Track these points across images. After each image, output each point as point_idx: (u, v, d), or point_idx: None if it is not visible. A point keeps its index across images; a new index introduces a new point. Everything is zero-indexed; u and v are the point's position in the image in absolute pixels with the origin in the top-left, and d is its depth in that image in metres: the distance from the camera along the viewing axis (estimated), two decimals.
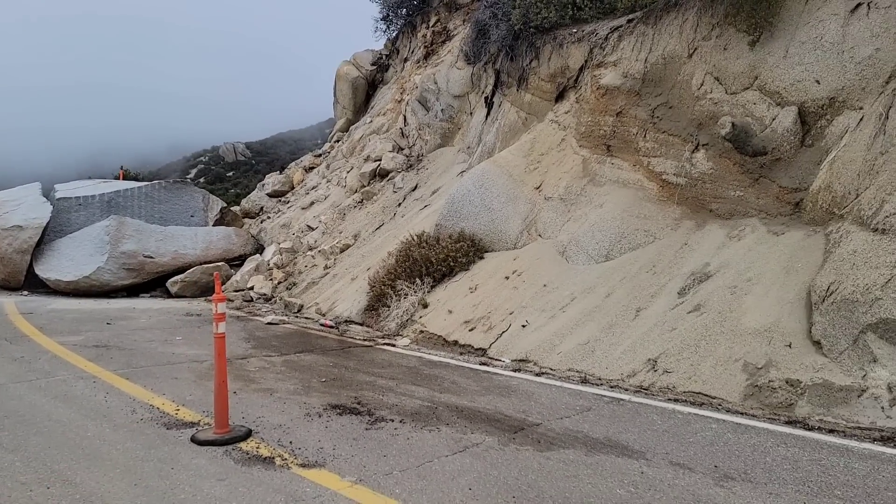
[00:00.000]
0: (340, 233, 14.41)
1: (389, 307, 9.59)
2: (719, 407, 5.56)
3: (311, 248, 14.27)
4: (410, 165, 15.55)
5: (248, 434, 4.61)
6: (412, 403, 5.58)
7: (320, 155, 22.09)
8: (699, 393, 5.83)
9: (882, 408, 5.02)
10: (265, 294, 12.77)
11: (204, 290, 13.95)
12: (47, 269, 13.91)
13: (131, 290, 14.19)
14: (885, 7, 6.69)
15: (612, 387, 6.29)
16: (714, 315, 6.56)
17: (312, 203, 17.59)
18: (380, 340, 8.73)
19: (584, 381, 6.49)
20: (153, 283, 14.49)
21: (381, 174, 15.97)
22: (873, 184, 6.04)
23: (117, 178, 21.29)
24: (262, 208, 20.57)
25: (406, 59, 20.48)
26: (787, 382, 5.48)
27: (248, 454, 4.25)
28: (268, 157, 68.43)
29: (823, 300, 5.78)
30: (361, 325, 9.82)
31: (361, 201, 15.41)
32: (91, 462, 4.08)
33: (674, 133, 8.58)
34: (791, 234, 7.01)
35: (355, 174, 16.64)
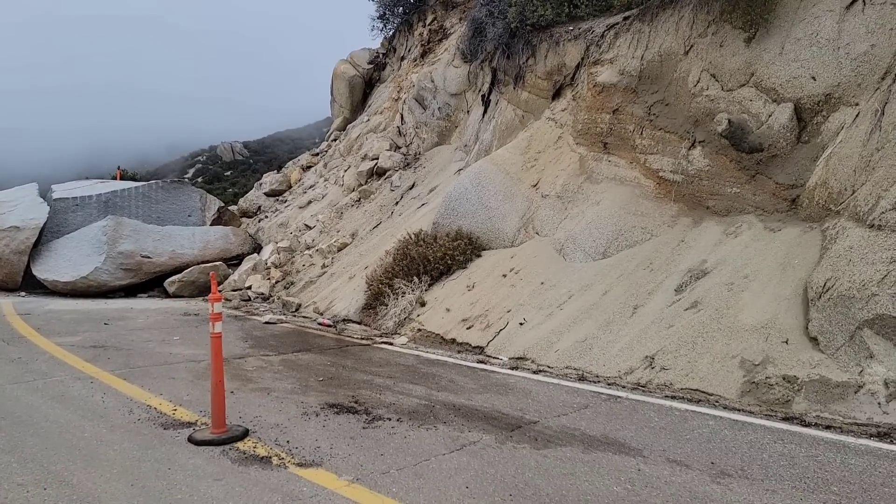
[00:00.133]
0: (338, 231, 14.41)
1: (387, 306, 9.59)
2: (716, 404, 5.56)
3: (308, 247, 14.26)
4: (408, 164, 15.54)
5: (245, 433, 4.61)
6: (409, 402, 5.58)
7: (318, 154, 22.08)
8: (696, 390, 5.84)
9: (879, 403, 5.03)
10: (263, 293, 12.76)
11: (202, 290, 13.95)
12: (45, 270, 13.89)
13: (129, 291, 14.18)
14: (881, 3, 6.70)
15: (609, 384, 6.30)
16: (711, 312, 6.56)
17: (310, 202, 17.58)
18: (377, 339, 8.73)
19: (582, 379, 6.49)
20: (151, 283, 14.48)
21: (378, 173, 15.97)
22: (869, 180, 6.04)
23: (115, 178, 21.26)
24: (259, 207, 20.56)
25: (403, 58, 20.46)
26: (783, 379, 5.49)
27: (245, 454, 4.25)
28: (266, 156, 68.42)
29: (820, 296, 5.78)
30: (359, 323, 9.82)
31: (359, 200, 15.40)
32: (88, 463, 4.08)
33: (670, 130, 8.58)
34: (787, 230, 7.02)
35: (353, 173, 16.63)
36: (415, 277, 9.78)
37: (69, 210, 15.39)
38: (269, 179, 22.19)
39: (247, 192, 24.30)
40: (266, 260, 14.19)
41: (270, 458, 4.18)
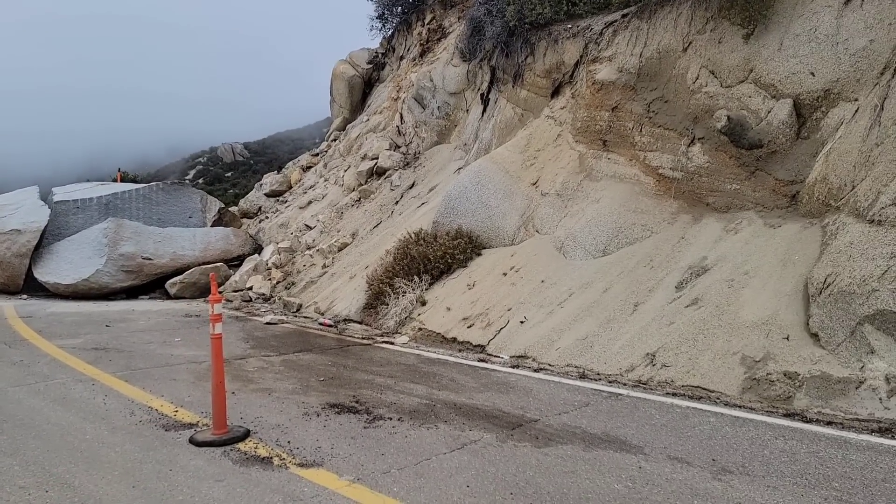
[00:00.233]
0: (338, 231, 14.41)
1: (388, 305, 9.60)
2: (717, 400, 5.56)
3: (309, 248, 14.27)
4: (407, 163, 15.54)
5: (246, 434, 4.62)
6: (410, 401, 5.58)
7: (318, 154, 22.08)
8: (697, 387, 5.84)
9: (880, 399, 5.02)
10: (264, 294, 12.77)
11: (203, 291, 13.95)
12: (46, 273, 13.90)
13: (130, 292, 14.19)
14: None
15: (610, 382, 6.30)
16: (712, 309, 6.56)
17: (310, 202, 17.58)
18: (378, 339, 8.73)
19: (583, 377, 6.49)
20: (152, 285, 14.49)
21: (378, 172, 15.96)
22: (869, 175, 6.03)
23: (115, 180, 21.27)
24: (260, 208, 20.56)
25: (402, 57, 20.45)
26: (784, 375, 5.48)
27: (246, 454, 4.26)
28: (266, 156, 68.52)
29: (820, 292, 5.78)
30: (360, 323, 9.83)
31: (359, 200, 15.40)
32: (89, 465, 4.08)
33: (670, 127, 8.58)
34: (788, 226, 7.01)
35: (353, 173, 16.63)
36: (415, 276, 9.78)
37: (70, 213, 15.40)
38: (270, 180, 22.19)
39: (247, 193, 24.29)
40: (267, 260, 14.19)
41: (271, 458, 4.18)
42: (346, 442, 4.51)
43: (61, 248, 14.58)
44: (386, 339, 8.71)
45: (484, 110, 13.53)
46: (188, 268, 14.41)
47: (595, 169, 9.54)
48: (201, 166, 77.17)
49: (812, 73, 7.08)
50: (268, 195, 21.07)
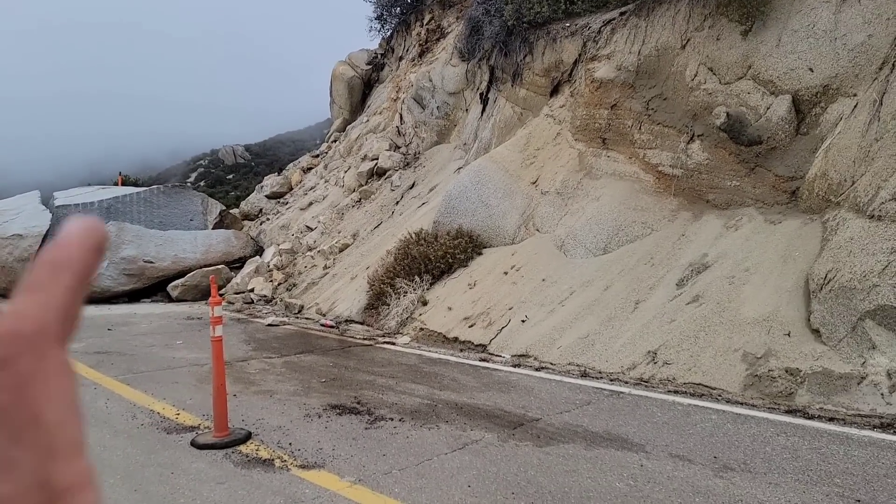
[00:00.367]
0: (339, 232, 14.41)
1: (389, 305, 9.60)
2: (719, 397, 5.56)
3: (310, 249, 14.27)
4: (407, 163, 15.54)
5: (247, 436, 4.62)
6: (412, 402, 5.58)
7: (318, 155, 22.09)
8: (699, 384, 5.83)
9: (882, 394, 5.02)
10: (265, 296, 12.78)
11: (205, 294, 13.95)
12: None
13: (132, 296, 14.20)
14: None
15: (612, 380, 6.29)
16: (713, 306, 6.56)
17: (311, 203, 17.59)
18: (380, 339, 8.73)
19: (584, 375, 6.49)
20: (154, 288, 14.50)
21: (378, 173, 15.97)
22: (868, 170, 6.03)
23: (116, 184, 21.29)
24: (261, 210, 20.57)
25: (401, 58, 20.45)
26: (786, 371, 5.48)
27: (247, 457, 4.26)
28: (267, 158, 68.47)
29: (821, 288, 5.77)
30: (362, 324, 9.83)
31: (360, 200, 15.41)
32: None
33: (669, 124, 8.57)
34: (788, 222, 7.01)
35: (353, 174, 16.64)
36: (416, 277, 9.78)
37: (71, 217, 15.40)
38: (270, 182, 22.20)
39: (248, 195, 24.31)
40: (268, 262, 14.20)
41: (273, 460, 4.19)
42: (347, 443, 4.52)
43: None
44: (387, 339, 8.72)
45: (483, 110, 13.52)
46: (190, 270, 14.43)
47: (595, 167, 9.53)
48: (203, 169, 77.21)
49: (811, 69, 7.07)
50: (269, 197, 21.08)
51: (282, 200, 20.23)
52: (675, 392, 5.78)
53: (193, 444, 4.51)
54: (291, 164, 24.25)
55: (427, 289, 9.71)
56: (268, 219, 19.17)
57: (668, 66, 8.64)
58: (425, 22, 19.09)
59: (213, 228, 16.70)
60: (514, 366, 7.02)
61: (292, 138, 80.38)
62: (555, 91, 11.28)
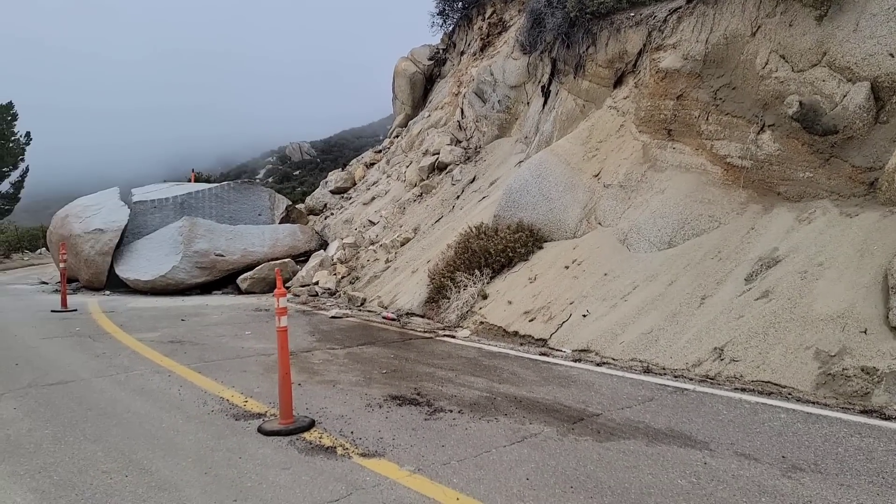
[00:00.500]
0: (401, 227, 14.59)
1: (449, 299, 9.66)
2: (789, 396, 5.36)
3: (372, 243, 14.50)
4: (468, 158, 15.57)
5: (311, 424, 4.76)
6: (471, 394, 5.62)
7: (381, 151, 22.39)
8: (768, 382, 5.64)
9: None
10: (329, 288, 13.06)
11: (272, 286, 14.36)
12: (126, 270, 14.63)
13: (204, 288, 14.77)
14: None
15: (675, 376, 6.16)
16: (783, 301, 6.32)
17: (373, 198, 17.86)
18: (440, 332, 8.81)
19: (647, 371, 6.37)
20: (224, 281, 15.03)
21: (439, 167, 16.06)
22: None
23: (189, 180, 22.15)
24: (325, 205, 21.02)
25: (462, 53, 20.49)
26: (862, 370, 5.24)
27: (311, 444, 4.39)
28: (332, 154, 69.77)
29: None
30: (422, 317, 9.93)
31: (421, 195, 15.54)
32: (166, 451, 4.30)
33: (738, 114, 8.29)
34: (865, 215, 6.68)
35: (414, 168, 16.79)
36: (476, 270, 9.80)
37: (148, 212, 16.16)
38: (335, 177, 22.65)
39: (314, 191, 24.88)
40: (332, 256, 14.51)
41: (335, 448, 4.30)
42: (407, 433, 4.59)
43: (140, 246, 15.32)
44: (447, 332, 8.78)
45: (545, 103, 13.40)
46: (258, 264, 14.89)
47: (659, 159, 9.32)
48: (271, 165, 79.49)
49: (891, 55, 6.71)
50: (333, 192, 21.52)
51: (345, 195, 20.61)
52: (742, 390, 5.61)
53: (260, 430, 4.68)
54: (355, 160, 24.67)
55: (487, 283, 9.72)
56: (332, 213, 19.57)
57: (737, 54, 8.35)
58: (487, 16, 19.05)
59: (279, 223, 17.19)
60: (575, 360, 6.96)
61: (357, 134, 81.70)
62: (618, 82, 11.08)
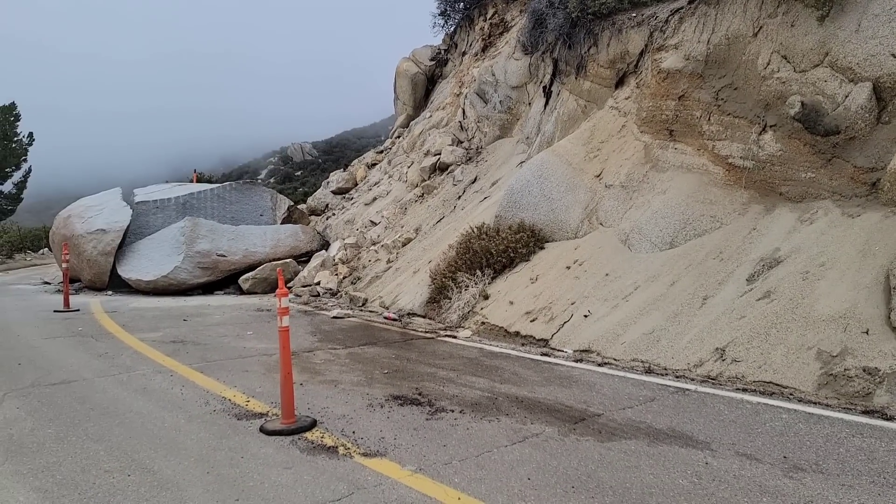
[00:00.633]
0: (402, 227, 14.60)
1: (451, 299, 9.67)
2: (791, 396, 5.36)
3: (374, 243, 14.51)
4: (470, 158, 15.58)
5: (313, 424, 4.76)
6: (472, 394, 5.62)
7: (382, 151, 22.40)
8: (770, 382, 5.64)
9: None
10: (331, 289, 13.07)
11: (274, 287, 14.38)
12: (129, 270, 14.65)
13: (206, 288, 14.79)
14: None
15: (677, 377, 6.16)
16: (785, 302, 6.32)
17: (375, 199, 17.87)
18: (441, 332, 8.81)
19: (649, 372, 6.37)
20: (226, 281, 15.05)
21: (440, 168, 16.07)
22: None
23: (191, 181, 22.17)
24: (327, 205, 21.04)
25: (464, 53, 20.50)
26: (864, 371, 5.24)
27: (312, 443, 4.40)
28: (334, 155, 69.82)
29: None
30: (424, 317, 9.94)
31: (422, 195, 15.55)
32: (168, 451, 4.31)
33: (739, 115, 8.29)
34: (867, 215, 6.68)
35: (416, 169, 16.80)
36: (478, 271, 9.81)
37: (150, 212, 16.18)
38: (336, 178, 22.67)
39: (315, 191, 24.91)
40: (334, 256, 14.52)
41: (337, 447, 4.30)
42: (408, 433, 4.60)
43: (142, 246, 15.34)
44: (449, 332, 8.78)
45: (546, 103, 13.41)
46: (259, 264, 14.91)
47: (661, 159, 9.32)
48: (272, 166, 79.59)
49: (893, 55, 6.70)
50: (334, 192, 21.54)
51: (347, 196, 20.63)
52: (744, 390, 5.61)
53: (262, 430, 4.69)
54: (356, 161, 24.69)
55: (488, 283, 9.73)
56: (333, 214, 19.59)
57: (738, 54, 8.35)
58: (488, 16, 19.06)
59: (281, 223, 17.21)
60: (577, 361, 6.96)
61: (358, 135, 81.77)
62: (620, 83, 11.08)
